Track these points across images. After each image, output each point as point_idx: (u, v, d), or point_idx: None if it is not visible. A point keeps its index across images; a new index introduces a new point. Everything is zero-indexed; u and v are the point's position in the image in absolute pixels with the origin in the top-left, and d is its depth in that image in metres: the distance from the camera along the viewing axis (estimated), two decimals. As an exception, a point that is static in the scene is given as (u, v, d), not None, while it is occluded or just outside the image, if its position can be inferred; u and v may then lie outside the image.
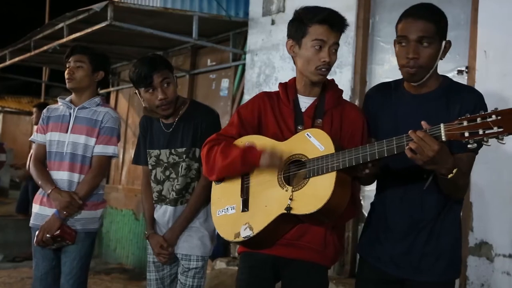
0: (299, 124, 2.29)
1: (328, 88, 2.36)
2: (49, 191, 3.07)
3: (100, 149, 3.13)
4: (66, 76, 3.19)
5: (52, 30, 6.53)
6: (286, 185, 2.16)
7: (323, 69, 2.25)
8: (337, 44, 2.27)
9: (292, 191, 2.13)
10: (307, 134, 2.19)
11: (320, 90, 2.35)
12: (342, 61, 4.67)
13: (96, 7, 5.42)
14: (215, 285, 4.88)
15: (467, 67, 3.79)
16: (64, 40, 6.21)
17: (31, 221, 3.21)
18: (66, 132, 3.15)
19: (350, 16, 4.64)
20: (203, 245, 2.92)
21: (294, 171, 2.19)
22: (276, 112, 2.35)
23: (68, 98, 3.28)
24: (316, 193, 2.08)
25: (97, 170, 3.13)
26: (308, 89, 2.34)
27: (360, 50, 4.61)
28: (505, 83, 3.53)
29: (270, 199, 2.18)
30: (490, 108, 1.83)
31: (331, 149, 2.09)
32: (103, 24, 5.54)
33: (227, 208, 2.31)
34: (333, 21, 2.26)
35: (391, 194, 2.25)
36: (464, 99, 2.10)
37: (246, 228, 2.21)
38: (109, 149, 3.15)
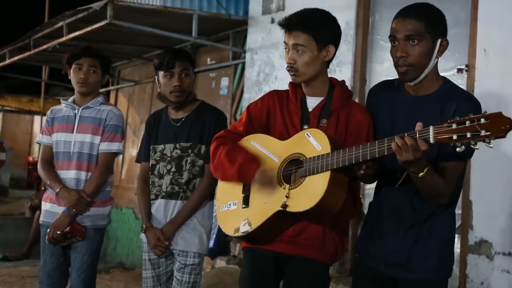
0: (305, 123, 2.33)
1: (336, 89, 2.39)
2: (58, 190, 3.12)
3: (105, 147, 3.18)
4: (79, 80, 3.18)
5: (52, 29, 6.54)
6: (284, 183, 2.22)
7: (290, 72, 2.34)
8: (298, 45, 2.30)
9: (289, 189, 2.18)
10: (307, 134, 2.24)
11: (327, 91, 2.39)
12: (341, 60, 4.67)
13: (96, 5, 5.42)
14: (215, 284, 4.89)
15: (467, 66, 3.79)
16: (64, 39, 6.21)
17: (41, 219, 3.26)
18: (72, 132, 3.20)
19: (350, 15, 4.64)
20: (201, 242, 2.94)
21: (293, 169, 2.24)
22: (284, 110, 2.41)
23: (70, 99, 3.31)
24: (310, 191, 2.13)
25: (103, 167, 3.18)
26: (311, 90, 2.38)
27: (359, 49, 4.60)
28: (505, 82, 3.53)
29: (269, 196, 2.23)
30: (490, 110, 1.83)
31: (327, 149, 2.14)
32: (102, 23, 5.54)
33: (229, 204, 2.38)
34: (285, 25, 2.33)
35: (385, 194, 2.29)
36: (460, 106, 2.10)
37: (245, 224, 2.27)
38: (114, 146, 3.19)
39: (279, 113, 2.40)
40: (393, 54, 2.17)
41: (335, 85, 2.41)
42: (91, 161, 3.17)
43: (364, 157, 2.00)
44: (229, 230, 2.36)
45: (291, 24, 2.30)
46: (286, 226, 2.28)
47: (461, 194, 3.71)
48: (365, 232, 2.39)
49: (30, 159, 14.87)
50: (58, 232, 3.07)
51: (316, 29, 2.28)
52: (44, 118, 3.47)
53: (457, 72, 3.90)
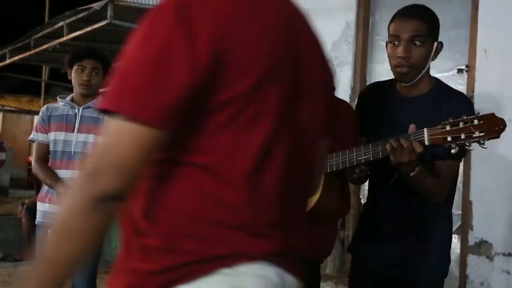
0: None
1: None
2: (62, 190, 3.04)
3: None
4: (82, 81, 3.15)
5: (52, 29, 6.54)
6: None
7: None
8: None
9: None
10: None
11: None
12: (342, 60, 4.67)
13: (96, 5, 5.43)
14: (215, 284, 4.88)
15: (467, 66, 3.79)
16: (64, 39, 6.22)
17: (39, 219, 3.19)
18: (73, 131, 3.15)
19: (350, 15, 4.64)
20: None
21: None
22: None
23: (68, 98, 3.25)
24: None
25: None
26: None
27: (360, 49, 4.60)
28: (505, 82, 3.53)
29: None
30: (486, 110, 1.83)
31: None
32: (102, 23, 5.55)
33: None
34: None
35: (381, 195, 2.27)
36: (453, 105, 2.09)
37: None
38: None
39: None
40: (393, 54, 2.13)
41: None
42: None
43: (359, 161, 2.00)
44: None
45: None
46: None
47: (461, 195, 3.74)
48: (360, 234, 2.38)
49: (30, 159, 14.84)
50: None
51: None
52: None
53: (457, 72, 3.90)
